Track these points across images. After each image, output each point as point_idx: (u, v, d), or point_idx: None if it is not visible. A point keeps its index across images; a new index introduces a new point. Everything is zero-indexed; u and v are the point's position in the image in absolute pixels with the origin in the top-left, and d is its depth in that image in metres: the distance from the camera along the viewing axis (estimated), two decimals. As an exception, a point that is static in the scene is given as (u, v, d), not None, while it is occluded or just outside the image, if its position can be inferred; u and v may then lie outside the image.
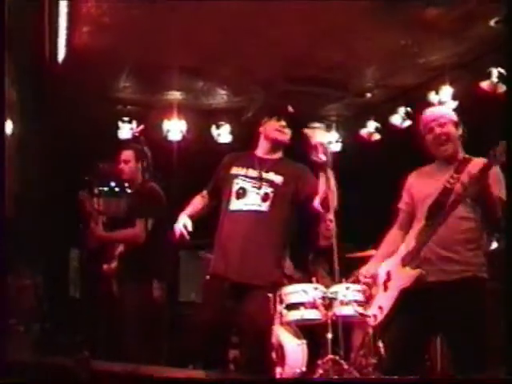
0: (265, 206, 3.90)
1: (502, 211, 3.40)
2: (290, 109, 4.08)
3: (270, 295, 3.87)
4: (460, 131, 3.66)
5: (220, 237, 3.98)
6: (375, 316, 3.67)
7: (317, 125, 3.86)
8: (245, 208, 3.92)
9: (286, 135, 4.04)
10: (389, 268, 3.68)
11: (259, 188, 3.93)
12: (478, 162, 3.49)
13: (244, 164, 4.04)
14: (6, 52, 3.79)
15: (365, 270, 3.82)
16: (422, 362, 3.64)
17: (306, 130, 3.75)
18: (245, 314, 3.80)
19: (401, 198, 3.87)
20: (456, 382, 3.37)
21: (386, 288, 3.66)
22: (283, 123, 4.01)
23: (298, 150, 3.88)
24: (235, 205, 3.95)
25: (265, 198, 3.91)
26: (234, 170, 4.04)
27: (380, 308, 3.63)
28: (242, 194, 3.95)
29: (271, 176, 3.96)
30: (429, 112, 3.77)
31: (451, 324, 3.42)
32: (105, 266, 5.26)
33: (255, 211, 3.90)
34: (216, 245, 4.01)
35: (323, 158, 3.63)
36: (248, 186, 3.95)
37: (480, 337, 3.43)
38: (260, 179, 3.95)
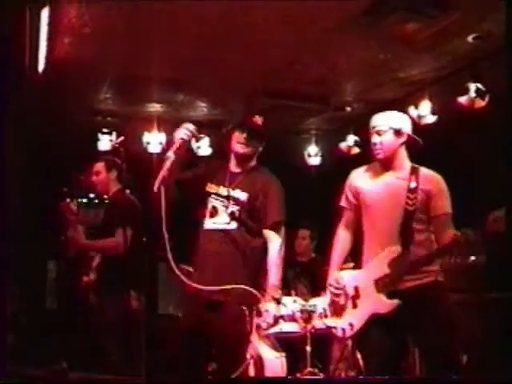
0: (233, 225, 3.92)
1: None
2: (258, 120, 4.01)
3: (245, 308, 3.88)
4: (403, 139, 3.67)
5: (196, 255, 4.04)
6: (344, 330, 3.68)
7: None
8: (215, 227, 3.95)
9: (248, 148, 3.99)
10: (356, 283, 3.67)
11: (227, 207, 3.94)
12: (427, 176, 3.62)
13: (216, 181, 4.04)
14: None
15: (334, 280, 3.77)
16: (400, 367, 3.66)
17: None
18: (220, 327, 3.81)
19: (343, 197, 3.88)
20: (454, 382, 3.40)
21: (355, 305, 3.65)
22: (245, 135, 3.95)
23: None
24: (208, 223, 3.98)
25: (232, 216, 3.92)
26: (208, 188, 4.04)
27: (351, 325, 3.64)
28: (214, 212, 3.97)
29: (237, 193, 3.96)
30: (372, 119, 3.77)
31: (420, 326, 3.49)
32: (84, 278, 5.23)
33: (224, 230, 3.92)
34: (193, 262, 4.06)
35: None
36: (219, 204, 3.97)
37: (448, 337, 3.50)
38: (228, 198, 3.95)
